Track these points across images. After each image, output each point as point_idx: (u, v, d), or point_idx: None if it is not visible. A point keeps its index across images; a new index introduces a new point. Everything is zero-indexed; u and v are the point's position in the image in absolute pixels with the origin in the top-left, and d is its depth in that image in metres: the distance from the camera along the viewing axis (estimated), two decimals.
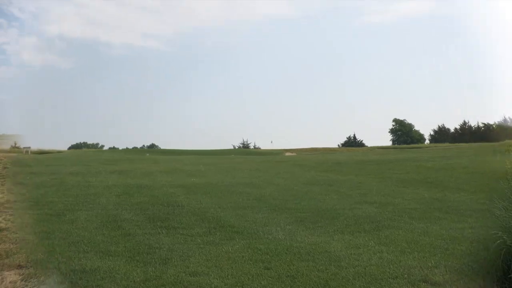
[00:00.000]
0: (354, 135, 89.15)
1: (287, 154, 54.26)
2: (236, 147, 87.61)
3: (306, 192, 11.89)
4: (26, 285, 4.50)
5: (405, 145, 66.09)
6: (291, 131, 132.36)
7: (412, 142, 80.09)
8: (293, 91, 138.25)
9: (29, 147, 45.31)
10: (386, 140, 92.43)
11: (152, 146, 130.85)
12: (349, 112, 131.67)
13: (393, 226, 7.26)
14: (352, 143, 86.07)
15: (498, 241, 4.34)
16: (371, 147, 64.52)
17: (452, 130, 79.87)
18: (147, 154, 45.77)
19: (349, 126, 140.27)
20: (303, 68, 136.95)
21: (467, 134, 72.24)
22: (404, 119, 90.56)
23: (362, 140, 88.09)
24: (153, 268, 5.09)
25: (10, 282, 4.39)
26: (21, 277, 4.65)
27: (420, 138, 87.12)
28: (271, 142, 77.25)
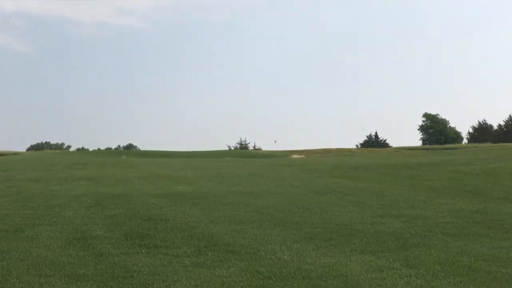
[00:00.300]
0: (376, 133, 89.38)
1: (294, 156, 54.43)
2: (232, 148, 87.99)
3: (318, 203, 11.91)
4: None
5: (438, 146, 66.24)
6: (299, 129, 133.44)
7: (447, 142, 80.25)
8: (302, 82, 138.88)
9: None
10: (415, 139, 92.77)
11: (130, 147, 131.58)
12: (369, 106, 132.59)
13: (424, 244, 7.27)
14: (373, 143, 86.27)
15: None
16: (396, 148, 64.65)
17: (495, 126, 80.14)
18: (123, 157, 45.93)
19: (370, 123, 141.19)
20: (314, 55, 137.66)
21: None
22: (437, 114, 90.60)
23: (385, 140, 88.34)
24: None
25: None
26: None
27: (456, 136, 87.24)
28: (275, 142, 77.66)
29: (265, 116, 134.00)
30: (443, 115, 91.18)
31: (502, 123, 77.52)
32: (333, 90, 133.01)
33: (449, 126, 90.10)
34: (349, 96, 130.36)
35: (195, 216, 9.95)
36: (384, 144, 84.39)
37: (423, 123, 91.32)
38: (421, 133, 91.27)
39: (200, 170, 24.23)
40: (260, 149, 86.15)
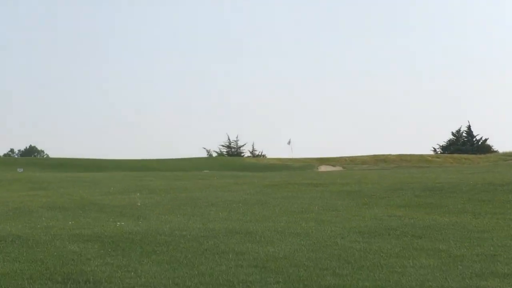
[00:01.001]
0: (469, 128, 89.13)
1: (323, 168, 53.96)
2: (214, 154, 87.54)
3: (366, 251, 11.91)
4: None
5: None
6: (330, 121, 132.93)
7: None
8: (334, 52, 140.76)
9: None
10: None
11: (31, 152, 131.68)
12: (453, 84, 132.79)
13: None
14: (463, 145, 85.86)
15: None
16: (506, 153, 64.17)
17: None
18: (20, 170, 45.75)
19: (456, 111, 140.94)
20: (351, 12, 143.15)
21: None
22: None
23: (485, 139, 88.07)
24: None
25: None
26: None
27: None
28: (289, 143, 76.76)
29: (271, 101, 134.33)
30: None
31: None
32: (389, 63, 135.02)
33: None
34: (416, 70, 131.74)
35: (148, 274, 9.91)
36: (483, 148, 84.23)
37: None
38: None
39: (158, 193, 24.14)
40: (264, 155, 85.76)
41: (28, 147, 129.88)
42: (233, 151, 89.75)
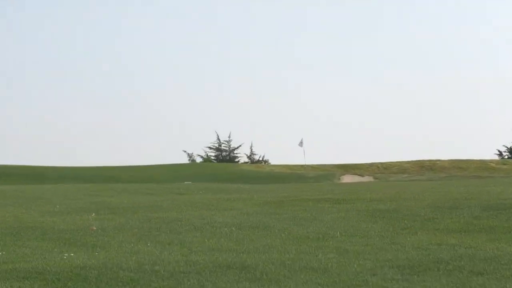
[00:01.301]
0: None
1: (347, 178, 53.98)
2: (199, 159, 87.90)
3: None
4: None
5: None
6: (356, 117, 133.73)
7: None
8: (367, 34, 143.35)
9: None
10: None
11: None
12: None
13: None
14: None
15: None
16: None
17: None
18: None
19: None
20: None
21: None
22: None
23: None
24: None
25: None
26: None
27: None
28: (300, 144, 76.93)
29: (276, 89, 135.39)
30: None
31: None
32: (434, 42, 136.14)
33: None
34: (471, 49, 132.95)
35: None
36: None
37: None
38: None
39: (121, 213, 24.14)
40: (266, 161, 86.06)
41: None
42: (224, 155, 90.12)
